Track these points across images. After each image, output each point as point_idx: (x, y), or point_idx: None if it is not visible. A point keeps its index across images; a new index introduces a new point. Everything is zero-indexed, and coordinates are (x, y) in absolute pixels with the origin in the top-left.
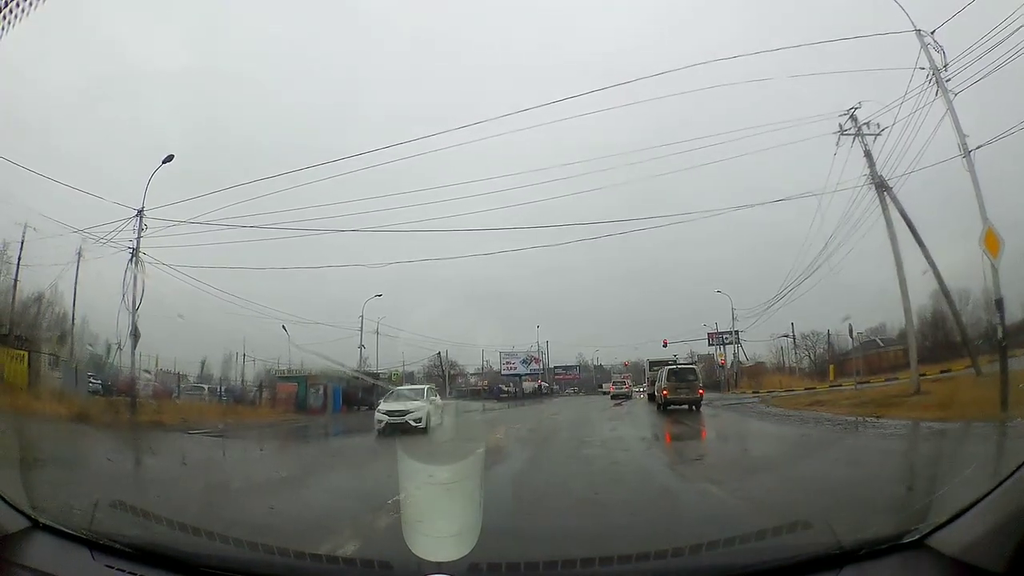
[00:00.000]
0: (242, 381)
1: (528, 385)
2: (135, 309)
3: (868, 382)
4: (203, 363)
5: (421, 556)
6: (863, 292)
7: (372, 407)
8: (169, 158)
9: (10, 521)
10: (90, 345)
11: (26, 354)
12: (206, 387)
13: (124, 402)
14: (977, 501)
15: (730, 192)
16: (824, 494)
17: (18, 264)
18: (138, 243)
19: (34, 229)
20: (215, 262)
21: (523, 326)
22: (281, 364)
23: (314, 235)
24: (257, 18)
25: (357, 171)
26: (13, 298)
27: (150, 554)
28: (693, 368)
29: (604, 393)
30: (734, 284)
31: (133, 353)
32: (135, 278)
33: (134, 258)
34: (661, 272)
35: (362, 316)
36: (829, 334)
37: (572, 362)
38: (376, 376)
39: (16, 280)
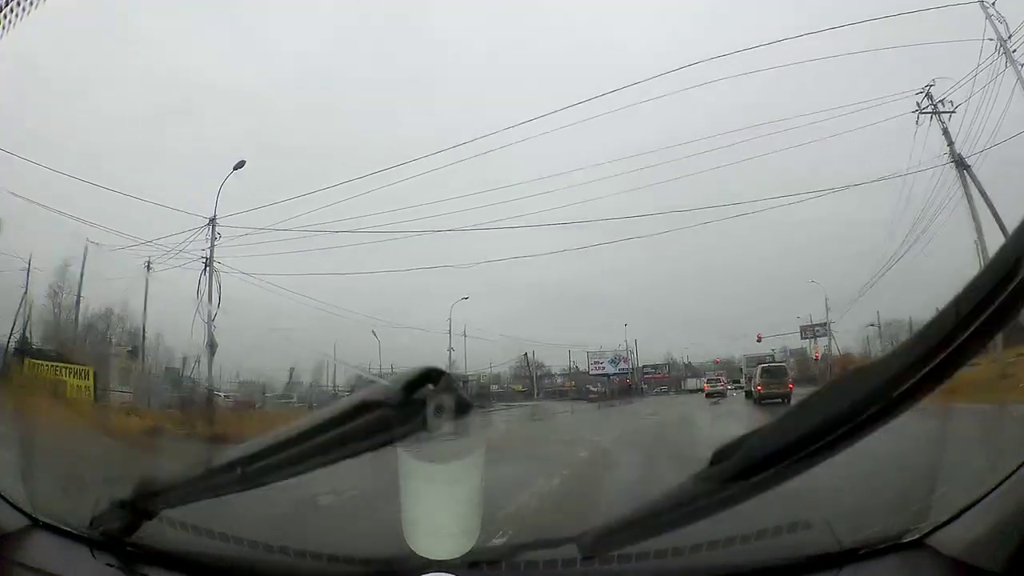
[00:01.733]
0: (333, 388)
1: (616, 385)
2: (211, 320)
3: None
4: (291, 371)
5: (421, 554)
6: (937, 276)
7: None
8: (240, 164)
9: (9, 519)
10: (117, 349)
11: (91, 370)
12: (295, 395)
13: (199, 415)
14: (978, 500)
15: (790, 185)
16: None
17: (80, 280)
18: (211, 252)
19: (97, 244)
20: (296, 270)
21: (609, 325)
22: (372, 369)
23: (401, 238)
24: (298, 33)
25: (439, 168)
26: (76, 315)
27: (151, 552)
28: (783, 366)
29: (695, 391)
30: (811, 277)
31: (210, 365)
32: (210, 288)
33: (208, 268)
34: (745, 265)
35: (450, 319)
36: (911, 322)
37: (660, 360)
38: (465, 379)
39: (79, 296)
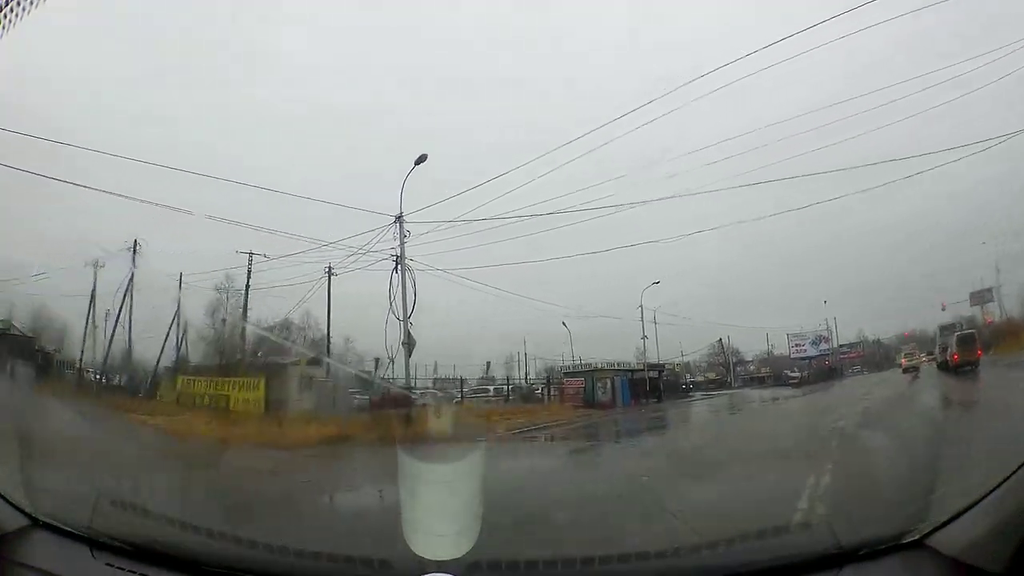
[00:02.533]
0: (526, 380)
1: (814, 367)
2: (407, 317)
3: None
4: (488, 365)
5: (421, 555)
6: None
7: (660, 399)
8: (422, 158)
9: (9, 519)
10: (296, 358)
11: (261, 381)
12: (491, 388)
13: (396, 415)
14: (977, 501)
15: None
16: None
17: (246, 291)
18: (402, 250)
19: (264, 256)
20: (483, 262)
21: (795, 303)
22: (564, 360)
23: (586, 220)
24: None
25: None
26: (243, 328)
27: (150, 552)
28: (973, 333)
29: (887, 367)
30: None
31: (407, 363)
32: (403, 286)
33: (399, 265)
34: (913, 230)
35: (641, 306)
36: None
37: (852, 338)
38: (661, 368)
39: (246, 308)
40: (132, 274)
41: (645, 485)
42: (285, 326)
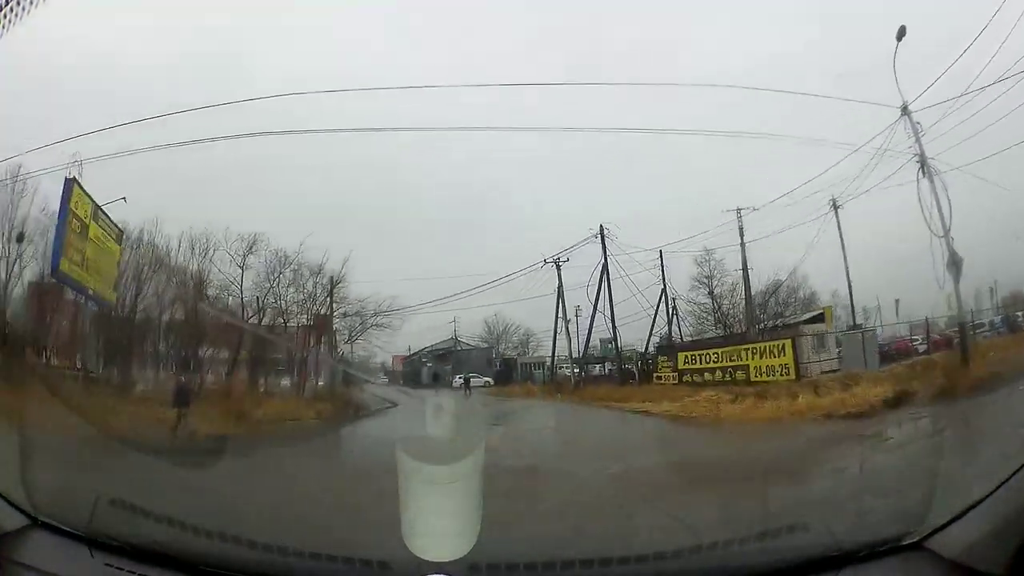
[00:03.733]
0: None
1: None
2: (948, 231)
3: None
4: (896, 303)
5: (420, 556)
6: None
7: None
8: (902, 32)
9: (9, 519)
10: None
11: (788, 343)
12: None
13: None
14: (977, 503)
15: None
16: None
17: (743, 249)
18: (920, 147)
19: (752, 208)
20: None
21: None
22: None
23: None
24: None
25: None
26: (746, 289)
27: (149, 552)
28: None
29: None
30: None
31: (957, 290)
32: (934, 193)
33: (924, 168)
34: None
35: None
36: None
37: None
38: None
39: (745, 268)
40: (604, 260)
41: None
42: (790, 278)
